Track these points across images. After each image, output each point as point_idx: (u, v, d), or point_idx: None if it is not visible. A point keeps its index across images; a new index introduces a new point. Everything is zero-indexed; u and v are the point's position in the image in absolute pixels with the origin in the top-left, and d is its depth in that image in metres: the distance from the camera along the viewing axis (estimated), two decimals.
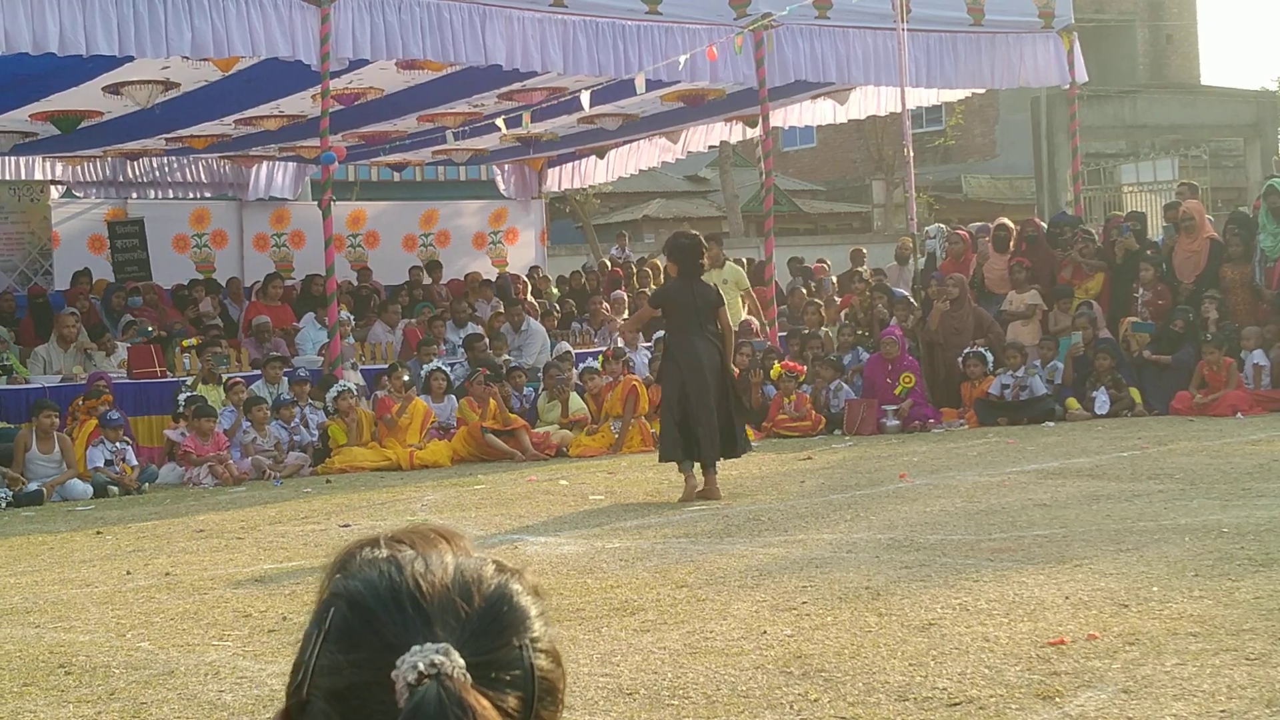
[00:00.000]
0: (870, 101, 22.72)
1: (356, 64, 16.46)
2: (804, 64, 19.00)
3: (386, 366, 17.52)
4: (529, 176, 26.83)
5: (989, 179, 42.33)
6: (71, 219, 23.28)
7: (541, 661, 1.42)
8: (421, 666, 1.33)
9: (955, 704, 5.41)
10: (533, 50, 16.78)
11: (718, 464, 11.83)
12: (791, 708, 5.49)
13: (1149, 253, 18.64)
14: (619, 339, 19.50)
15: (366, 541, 1.50)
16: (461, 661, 1.35)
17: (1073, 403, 16.92)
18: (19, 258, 22.24)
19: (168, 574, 9.34)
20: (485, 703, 1.35)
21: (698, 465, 11.80)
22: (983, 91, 24.61)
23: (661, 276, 20.83)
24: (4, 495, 14.07)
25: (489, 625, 1.39)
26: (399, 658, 1.34)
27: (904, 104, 19.15)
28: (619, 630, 6.94)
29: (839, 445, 15.85)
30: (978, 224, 21.43)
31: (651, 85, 18.12)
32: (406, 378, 16.68)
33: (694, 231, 12.87)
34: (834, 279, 23.98)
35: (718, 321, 11.86)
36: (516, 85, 18.66)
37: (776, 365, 17.59)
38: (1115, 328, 18.04)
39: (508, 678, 1.38)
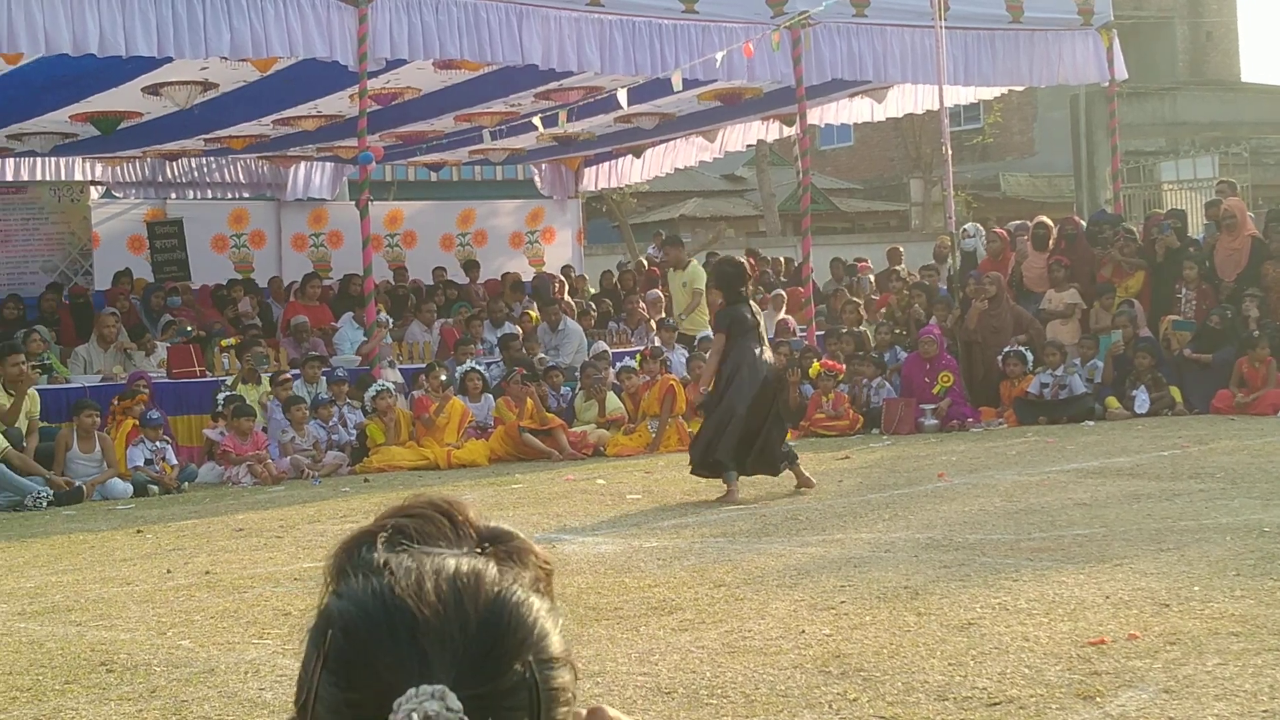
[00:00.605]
0: (908, 99, 22.65)
1: (394, 64, 16.51)
2: (841, 62, 18.95)
3: (424, 366, 17.55)
4: (566, 176, 26.84)
5: (1027, 177, 42.13)
6: (111, 219, 23.40)
7: (553, 674, 1.35)
8: (417, 717, 1.27)
9: (995, 704, 5.38)
10: (569, 50, 16.80)
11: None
12: (830, 707, 5.47)
13: (1191, 250, 18.53)
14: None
15: (366, 536, 1.43)
16: (458, 705, 1.27)
17: (1112, 402, 16.84)
18: (59, 258, 22.38)
19: (208, 572, 9.38)
20: None
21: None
22: (1021, 89, 24.49)
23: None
24: (45, 494, 14.15)
25: (488, 651, 1.32)
26: (395, 700, 1.28)
27: (942, 102, 19.08)
28: (657, 629, 6.94)
29: (877, 444, 15.80)
30: (1016, 222, 21.35)
31: (688, 84, 18.11)
32: (444, 377, 16.71)
33: (738, 259, 13.18)
34: (871, 278, 23.92)
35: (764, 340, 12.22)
36: (553, 85, 18.68)
37: (815, 364, 17.56)
38: (1156, 326, 17.94)
39: (510, 704, 1.31)
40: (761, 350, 12.01)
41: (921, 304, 19.38)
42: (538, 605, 1.37)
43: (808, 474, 12.00)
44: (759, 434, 11.82)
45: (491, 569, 1.37)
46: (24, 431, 15.28)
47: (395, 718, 1.27)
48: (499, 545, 1.45)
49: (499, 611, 1.34)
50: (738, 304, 12.08)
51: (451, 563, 1.37)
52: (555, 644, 1.36)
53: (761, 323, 12.38)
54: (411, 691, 1.28)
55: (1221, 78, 43.77)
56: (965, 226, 21.45)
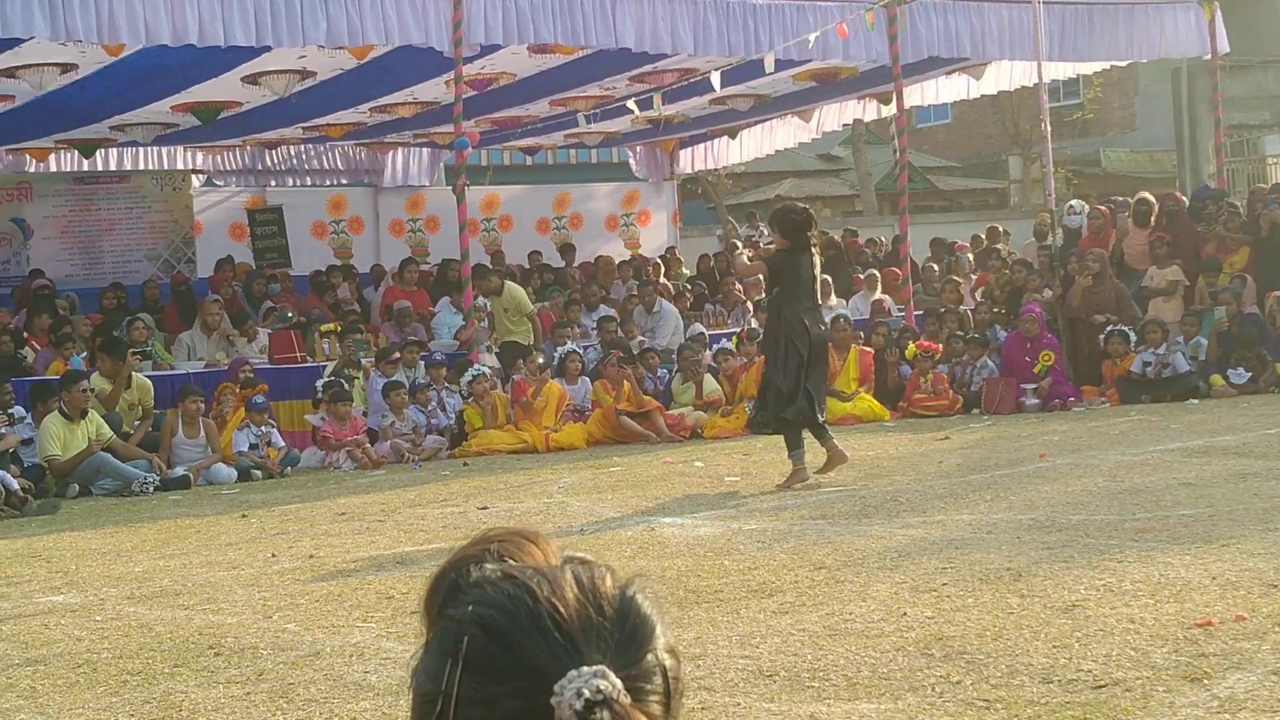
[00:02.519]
0: (1005, 76, 22.41)
1: (488, 49, 16.57)
2: (937, 40, 18.79)
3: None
4: (661, 158, 26.82)
5: (1128, 152, 41.56)
6: (212, 207, 23.69)
7: (669, 661, 1.43)
8: (588, 694, 1.33)
9: (1101, 686, 5.33)
10: (663, 32, 16.78)
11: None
12: (933, 690, 5.44)
13: None
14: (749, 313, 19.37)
15: (466, 559, 1.49)
16: (620, 683, 1.35)
17: (1217, 380, 16.60)
18: (163, 246, 22.70)
19: (311, 557, 9.49)
20: None
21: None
22: (1123, 64, 24.15)
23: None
24: (152, 480, 14.37)
25: (628, 638, 1.40)
26: (555, 684, 1.34)
27: (1041, 78, 18.86)
28: (757, 612, 6.93)
29: (977, 425, 15.69)
30: (1118, 198, 21.07)
31: (782, 65, 18.02)
32: (541, 360, 16.77)
33: (802, 205, 12.52)
34: (970, 257, 23.70)
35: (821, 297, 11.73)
36: (648, 67, 18.67)
37: (911, 345, 17.45)
38: (1262, 303, 17.65)
39: (649, 686, 1.40)
40: (812, 309, 11.58)
41: (1022, 279, 19.17)
42: (654, 605, 1.45)
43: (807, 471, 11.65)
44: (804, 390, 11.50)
45: (607, 572, 1.46)
46: (135, 419, 15.55)
47: (562, 698, 1.33)
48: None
49: (628, 604, 1.42)
50: (800, 252, 11.54)
51: (570, 566, 1.45)
52: (670, 638, 1.45)
53: (818, 277, 11.83)
54: (573, 673, 1.34)
55: None
56: (1070, 203, 21.19)
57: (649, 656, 1.40)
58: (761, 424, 11.99)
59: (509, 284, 18.96)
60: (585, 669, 1.35)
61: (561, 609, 1.39)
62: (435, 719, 1.39)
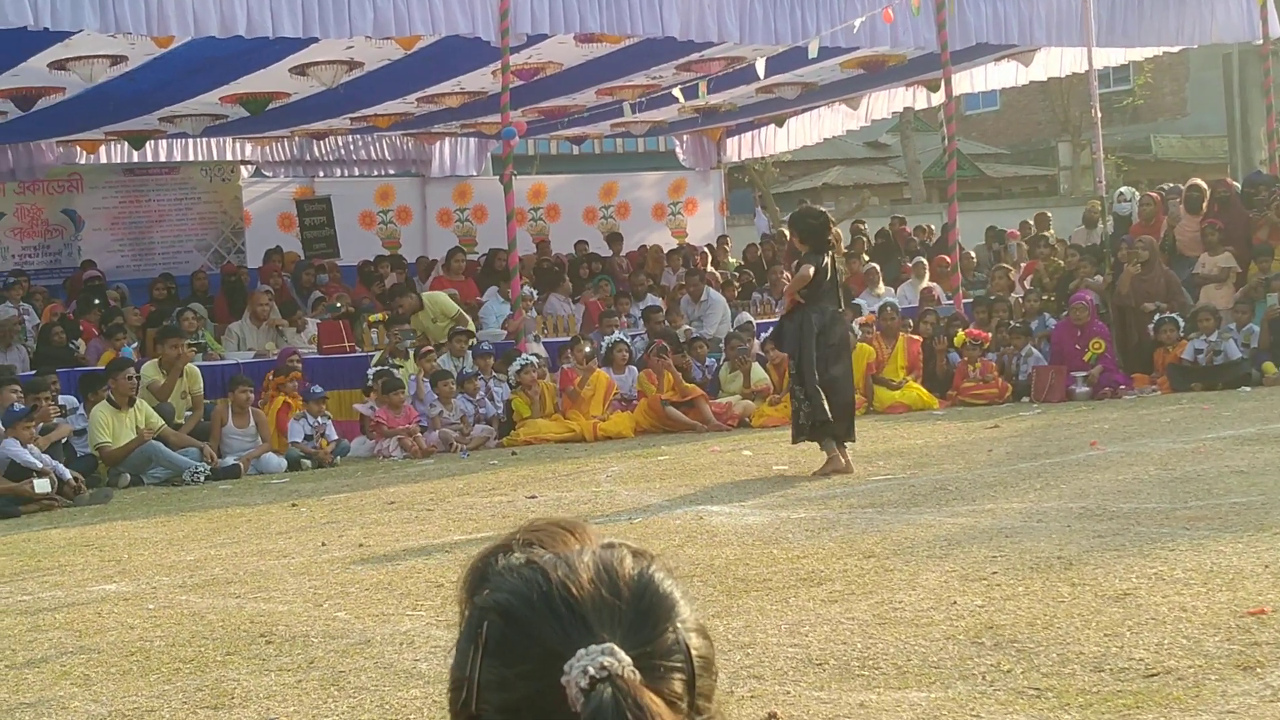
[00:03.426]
0: (1055, 62, 22.26)
1: (535, 39, 16.58)
2: (986, 26, 18.68)
3: (568, 339, 17.65)
4: (708, 147, 26.79)
5: (1179, 139, 41.27)
6: (261, 198, 23.82)
7: (694, 640, 1.44)
8: (592, 670, 1.35)
9: (1153, 675, 5.30)
10: (709, 21, 16.75)
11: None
12: (984, 678, 5.42)
13: None
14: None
15: (496, 549, 1.52)
16: (628, 659, 1.37)
17: (1269, 367, 16.45)
18: (212, 237, 22.84)
19: (361, 545, 9.53)
20: (656, 698, 1.37)
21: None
22: (1174, 50, 23.93)
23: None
24: (203, 469, 14.46)
25: (643, 616, 1.41)
26: (566, 663, 1.36)
27: (1091, 64, 18.72)
28: (806, 600, 6.92)
29: (1026, 413, 15.61)
30: (1170, 185, 20.91)
31: (829, 52, 17.96)
32: (588, 349, 16.79)
33: (820, 208, 12.74)
34: (1020, 244, 23.58)
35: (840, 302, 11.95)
36: (694, 56, 18.63)
37: (960, 333, 17.38)
38: None
39: (668, 664, 1.40)
40: (834, 313, 11.74)
41: (1072, 266, 19.06)
42: (675, 584, 1.46)
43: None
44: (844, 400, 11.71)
45: (627, 556, 1.47)
46: (186, 408, 15.66)
47: (569, 676, 1.35)
48: None
49: (645, 584, 1.44)
50: (819, 254, 11.67)
51: (590, 554, 1.46)
52: (696, 617, 1.46)
53: (840, 280, 12.09)
54: (581, 651, 1.36)
55: None
56: (1120, 190, 21.05)
57: (667, 635, 1.41)
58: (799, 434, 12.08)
59: (427, 295, 18.47)
60: (594, 647, 1.36)
61: (574, 590, 1.41)
62: (462, 705, 1.43)
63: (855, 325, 17.69)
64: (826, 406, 11.46)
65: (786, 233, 22.53)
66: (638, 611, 1.41)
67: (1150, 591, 6.53)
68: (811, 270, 11.53)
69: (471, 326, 18.03)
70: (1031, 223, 23.95)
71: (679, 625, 1.43)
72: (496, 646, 1.41)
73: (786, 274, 21.55)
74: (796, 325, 11.79)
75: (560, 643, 1.38)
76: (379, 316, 18.37)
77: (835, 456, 11.55)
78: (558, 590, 1.41)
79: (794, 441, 12.01)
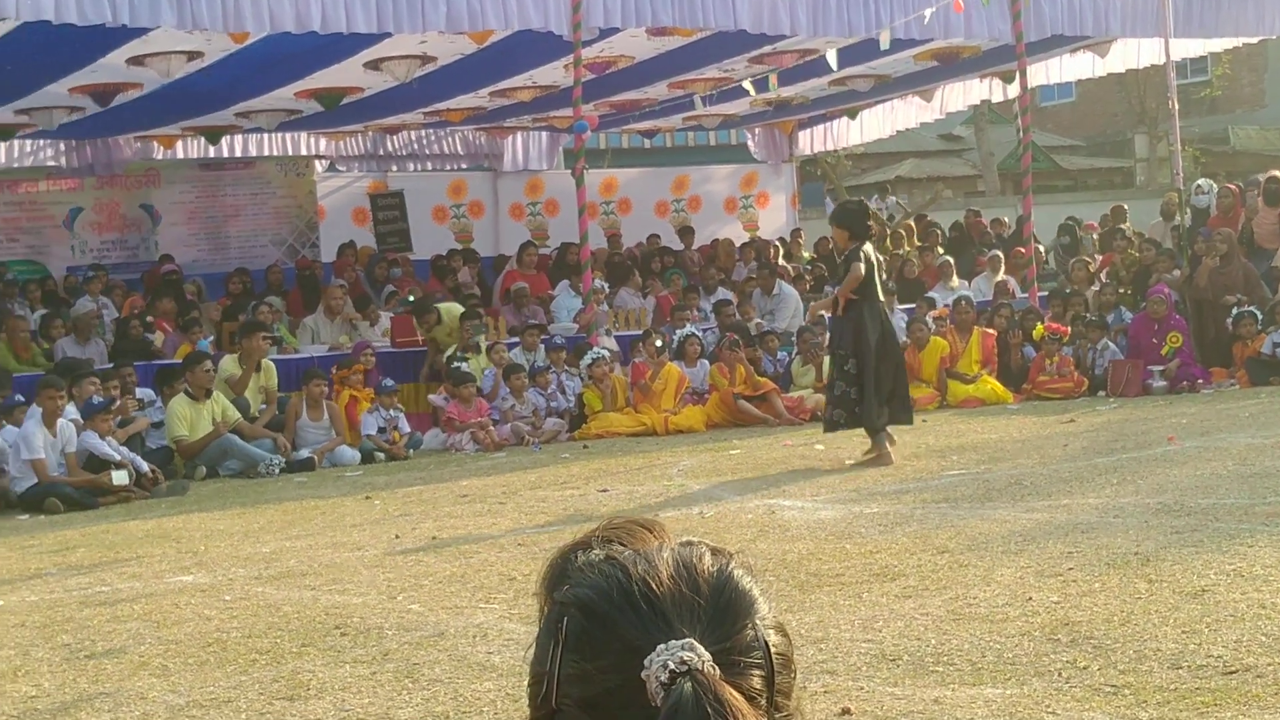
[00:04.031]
0: (1132, 53, 21.99)
1: (607, 33, 16.58)
2: (1061, 17, 18.51)
3: (640, 333, 17.65)
4: (779, 140, 26.70)
5: (1258, 130, 40.73)
6: (335, 192, 23.95)
7: (773, 637, 1.44)
8: (672, 665, 1.36)
9: (1231, 672, 5.24)
10: (781, 13, 16.68)
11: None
12: (1060, 675, 5.38)
13: None
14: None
15: (576, 546, 1.53)
16: (708, 654, 1.37)
17: None
18: (287, 231, 22.99)
19: (434, 538, 9.57)
20: (735, 693, 1.37)
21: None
22: (1254, 41, 23.63)
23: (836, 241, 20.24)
24: (278, 462, 14.58)
25: (722, 612, 1.42)
26: (645, 658, 1.37)
27: (1168, 55, 18.51)
28: (880, 596, 6.89)
29: (1103, 407, 15.47)
30: (1248, 177, 20.65)
31: (902, 44, 17.85)
32: (659, 343, 16.78)
33: (861, 199, 13.43)
34: (1095, 237, 23.36)
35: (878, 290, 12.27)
36: (767, 49, 18.57)
37: (1039, 326, 17.23)
38: None
39: (747, 660, 1.41)
40: (875, 302, 12.07)
41: (1150, 260, 18.86)
42: (755, 582, 1.47)
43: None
44: (894, 385, 12.08)
45: (706, 553, 1.48)
46: (260, 402, 15.79)
47: (649, 670, 1.36)
48: None
49: (725, 581, 1.44)
50: (862, 243, 12.06)
51: (669, 551, 1.47)
52: (775, 614, 1.47)
53: (879, 266, 12.42)
54: (661, 647, 1.37)
55: None
56: (1198, 182, 20.81)
57: (746, 631, 1.42)
58: (834, 424, 12.34)
59: (443, 307, 18.13)
60: (673, 642, 1.37)
61: (654, 585, 1.41)
62: (541, 700, 1.43)
63: (928, 318, 17.59)
64: (876, 402, 11.88)
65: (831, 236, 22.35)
66: (717, 608, 1.42)
67: (1229, 588, 6.46)
68: (862, 268, 11.84)
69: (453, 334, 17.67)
70: (1110, 215, 23.72)
71: (758, 622, 1.43)
72: (576, 641, 1.41)
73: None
74: (853, 324, 12.05)
75: (640, 638, 1.38)
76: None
77: (885, 452, 11.83)
78: (638, 585, 1.41)
79: (827, 430, 12.50)
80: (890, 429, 12.00)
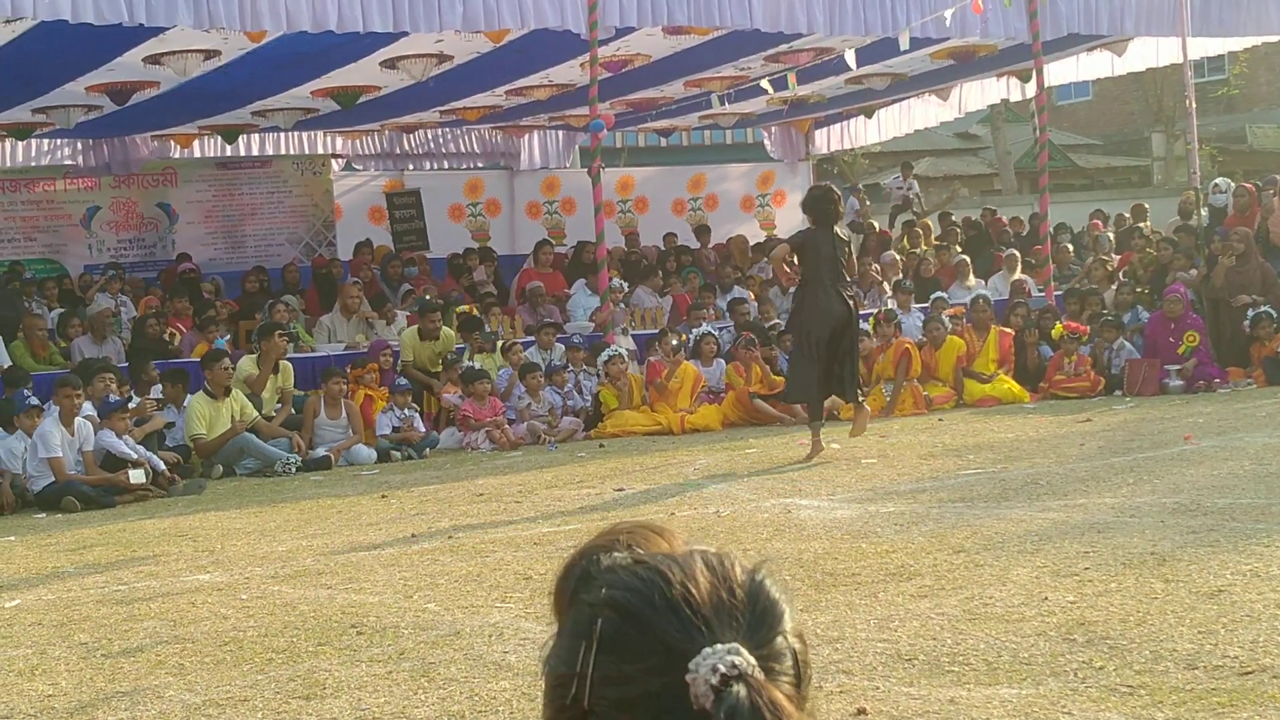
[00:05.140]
0: (1149, 52, 21.93)
1: (623, 31, 16.59)
2: (1077, 16, 18.48)
3: (655, 332, 17.66)
4: (796, 139, 26.69)
5: (1275, 128, 40.62)
6: (352, 191, 23.99)
7: (798, 644, 1.46)
8: (723, 669, 1.37)
9: (1248, 672, 5.23)
10: (798, 12, 16.68)
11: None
12: (1076, 675, 5.37)
13: None
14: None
15: (594, 548, 1.53)
16: (754, 660, 1.39)
17: None
18: (303, 230, 23.04)
19: (450, 537, 9.58)
20: (784, 697, 1.39)
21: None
22: (1273, 40, 23.56)
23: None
24: (295, 460, 14.60)
25: (759, 619, 1.44)
26: (690, 662, 1.38)
27: (1185, 54, 18.46)
28: (895, 595, 6.88)
29: (1119, 406, 15.44)
30: (1265, 176, 20.59)
31: (919, 43, 17.83)
32: (675, 342, 16.78)
33: (828, 185, 13.34)
34: (1110, 235, 23.29)
35: (847, 272, 12.57)
36: (783, 47, 18.57)
37: (1058, 325, 17.19)
38: None
39: (779, 667, 1.43)
40: (831, 287, 12.24)
41: (1167, 259, 18.82)
42: (782, 591, 1.49)
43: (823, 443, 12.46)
44: (835, 368, 12.45)
45: (736, 563, 1.49)
46: (275, 402, 15.79)
47: (697, 674, 1.37)
48: None
49: (758, 587, 1.46)
50: (822, 229, 12.34)
51: (700, 559, 1.48)
52: (798, 622, 1.48)
53: (845, 252, 12.60)
54: (708, 650, 1.38)
55: None
56: (1216, 181, 20.75)
57: (779, 639, 1.44)
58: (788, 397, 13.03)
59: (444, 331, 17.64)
60: (720, 646, 1.38)
61: (695, 591, 1.42)
62: (571, 701, 1.43)
63: (944, 317, 17.57)
64: (814, 380, 12.37)
65: (875, 224, 22.33)
66: (754, 614, 1.44)
67: (1245, 588, 6.45)
68: (786, 247, 12.50)
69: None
70: (1128, 214, 23.66)
71: (786, 629, 1.46)
72: (612, 643, 1.42)
73: (875, 265, 21.51)
74: (795, 306, 12.70)
75: (684, 641, 1.39)
76: (467, 309, 18.47)
77: (817, 441, 12.44)
78: (679, 590, 1.42)
79: (787, 401, 13.35)
80: (829, 404, 12.77)
